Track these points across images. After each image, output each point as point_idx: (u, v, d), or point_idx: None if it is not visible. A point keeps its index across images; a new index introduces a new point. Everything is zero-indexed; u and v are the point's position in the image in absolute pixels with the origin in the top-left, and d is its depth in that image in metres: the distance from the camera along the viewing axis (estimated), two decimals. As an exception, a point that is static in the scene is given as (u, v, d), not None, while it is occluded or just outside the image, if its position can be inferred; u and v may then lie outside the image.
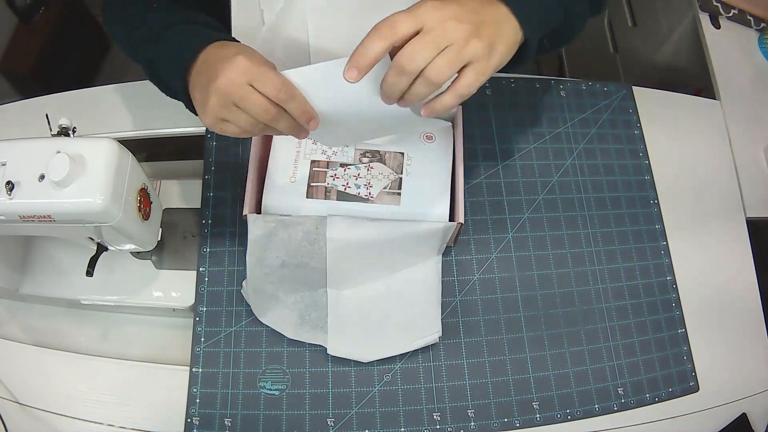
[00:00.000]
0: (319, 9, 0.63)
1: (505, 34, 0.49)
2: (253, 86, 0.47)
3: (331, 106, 0.51)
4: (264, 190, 0.63)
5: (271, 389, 0.63)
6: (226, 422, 0.61)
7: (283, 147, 0.66)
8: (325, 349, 0.64)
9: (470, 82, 0.47)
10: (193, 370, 0.63)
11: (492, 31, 0.47)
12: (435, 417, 0.63)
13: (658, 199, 0.75)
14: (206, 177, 0.72)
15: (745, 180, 0.79)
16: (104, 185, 0.50)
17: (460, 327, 0.66)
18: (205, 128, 0.74)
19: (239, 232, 0.69)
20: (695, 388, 0.67)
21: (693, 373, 0.68)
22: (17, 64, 1.38)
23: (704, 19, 0.93)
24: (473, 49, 0.46)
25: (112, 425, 0.62)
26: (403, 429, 0.62)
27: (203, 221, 0.69)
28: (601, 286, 0.70)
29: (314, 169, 0.64)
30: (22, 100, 0.78)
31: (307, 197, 0.63)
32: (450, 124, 0.69)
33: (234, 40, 0.55)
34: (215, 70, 0.48)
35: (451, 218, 0.64)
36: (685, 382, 0.67)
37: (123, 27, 0.63)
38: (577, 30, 0.62)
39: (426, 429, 0.62)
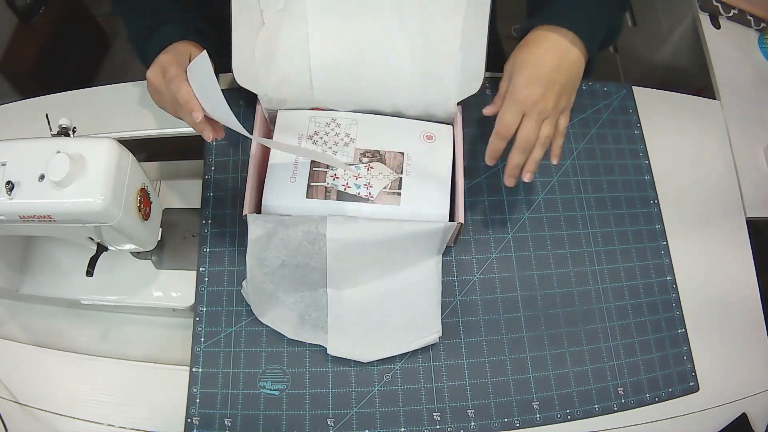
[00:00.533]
0: (318, 9, 0.63)
1: (580, 75, 0.63)
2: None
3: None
4: (264, 190, 0.63)
5: (271, 389, 0.63)
6: (226, 422, 0.61)
7: (283, 147, 0.66)
8: (325, 349, 0.64)
9: (566, 124, 0.63)
10: (193, 370, 0.63)
11: (573, 82, 0.62)
12: (435, 417, 0.63)
13: (658, 199, 0.75)
14: (206, 177, 0.72)
15: (745, 180, 0.79)
16: (104, 185, 0.50)
17: (460, 327, 0.66)
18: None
19: (239, 232, 0.69)
20: (695, 388, 0.67)
21: (693, 373, 0.68)
22: (17, 64, 1.38)
23: (704, 19, 0.93)
24: (562, 105, 0.61)
25: (112, 425, 0.62)
26: (403, 429, 0.62)
27: (203, 221, 0.69)
28: (601, 286, 0.70)
29: (314, 169, 0.64)
30: (22, 100, 0.78)
31: (307, 197, 0.63)
32: (450, 124, 0.69)
33: (196, 34, 0.65)
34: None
35: (451, 218, 0.64)
36: (685, 382, 0.68)
37: (126, 16, 0.70)
38: (617, 36, 0.70)
39: (426, 429, 0.62)
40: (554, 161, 0.64)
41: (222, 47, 0.65)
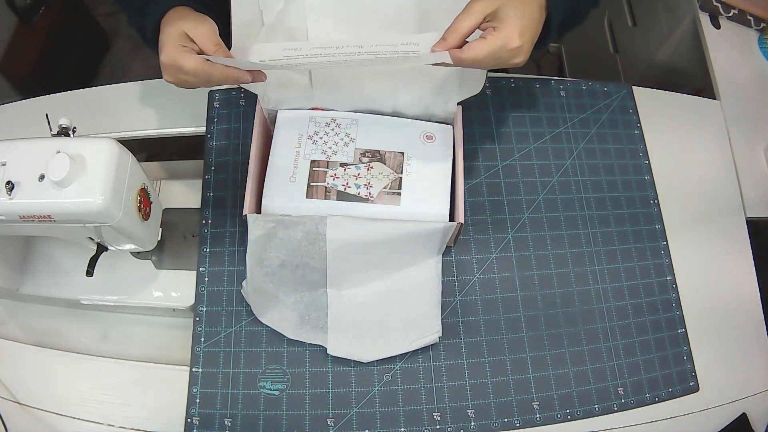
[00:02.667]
0: (318, 9, 0.63)
1: None
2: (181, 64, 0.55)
3: None
4: (264, 190, 0.63)
5: (271, 389, 0.63)
6: (226, 422, 0.61)
7: (283, 147, 0.66)
8: (325, 349, 0.64)
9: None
10: (193, 370, 0.63)
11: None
12: (435, 417, 0.63)
13: (658, 199, 0.75)
14: (206, 177, 0.72)
15: (745, 180, 0.79)
16: (104, 185, 0.50)
17: (460, 327, 0.66)
18: (205, 128, 0.74)
19: (239, 232, 0.69)
20: (695, 388, 0.67)
21: (693, 373, 0.68)
22: (17, 64, 1.38)
23: (704, 19, 0.93)
24: (519, 62, 0.56)
25: (112, 425, 0.62)
26: (403, 429, 0.62)
27: (203, 221, 0.69)
28: (601, 286, 0.70)
29: (314, 169, 0.64)
30: (22, 100, 0.78)
31: (307, 197, 0.63)
32: (450, 124, 0.69)
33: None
34: (159, 46, 0.57)
35: (451, 218, 0.64)
36: (685, 382, 0.68)
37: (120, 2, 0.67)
38: (578, 23, 0.66)
39: (426, 429, 0.62)
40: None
41: (220, 12, 0.63)
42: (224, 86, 0.76)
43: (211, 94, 0.76)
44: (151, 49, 0.62)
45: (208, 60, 0.55)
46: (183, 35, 0.56)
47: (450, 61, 0.54)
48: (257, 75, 0.59)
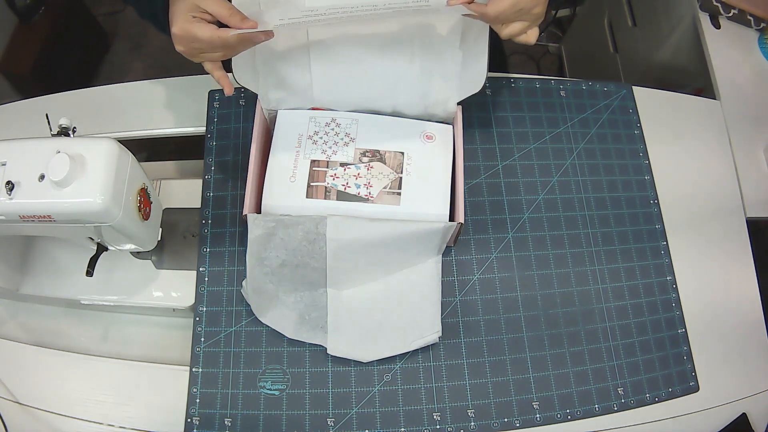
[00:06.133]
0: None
1: None
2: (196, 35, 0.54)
3: None
4: (264, 190, 0.63)
5: (271, 389, 0.63)
6: (226, 422, 0.61)
7: (283, 147, 0.66)
8: (325, 349, 0.64)
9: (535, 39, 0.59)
10: (193, 370, 0.63)
11: None
12: (435, 417, 0.63)
13: (658, 199, 0.75)
14: (206, 177, 0.72)
15: (745, 180, 0.79)
16: (104, 185, 0.50)
17: (460, 327, 0.66)
18: (205, 128, 0.74)
19: (239, 232, 0.69)
20: (695, 388, 0.67)
21: (693, 373, 0.68)
22: (17, 64, 1.38)
23: (704, 19, 0.93)
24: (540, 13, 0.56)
25: (112, 425, 0.62)
26: (403, 429, 0.62)
27: (203, 221, 0.69)
28: (601, 286, 0.70)
29: (314, 168, 0.64)
30: (22, 100, 0.78)
31: (307, 197, 0.63)
32: (450, 124, 0.69)
33: None
34: (170, 18, 0.56)
35: (451, 218, 0.64)
36: (685, 382, 0.68)
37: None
38: None
39: (426, 429, 0.62)
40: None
41: None
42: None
43: (211, 94, 0.76)
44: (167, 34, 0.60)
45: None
46: (194, 6, 0.55)
47: (464, 13, 0.55)
48: (269, 33, 0.57)
